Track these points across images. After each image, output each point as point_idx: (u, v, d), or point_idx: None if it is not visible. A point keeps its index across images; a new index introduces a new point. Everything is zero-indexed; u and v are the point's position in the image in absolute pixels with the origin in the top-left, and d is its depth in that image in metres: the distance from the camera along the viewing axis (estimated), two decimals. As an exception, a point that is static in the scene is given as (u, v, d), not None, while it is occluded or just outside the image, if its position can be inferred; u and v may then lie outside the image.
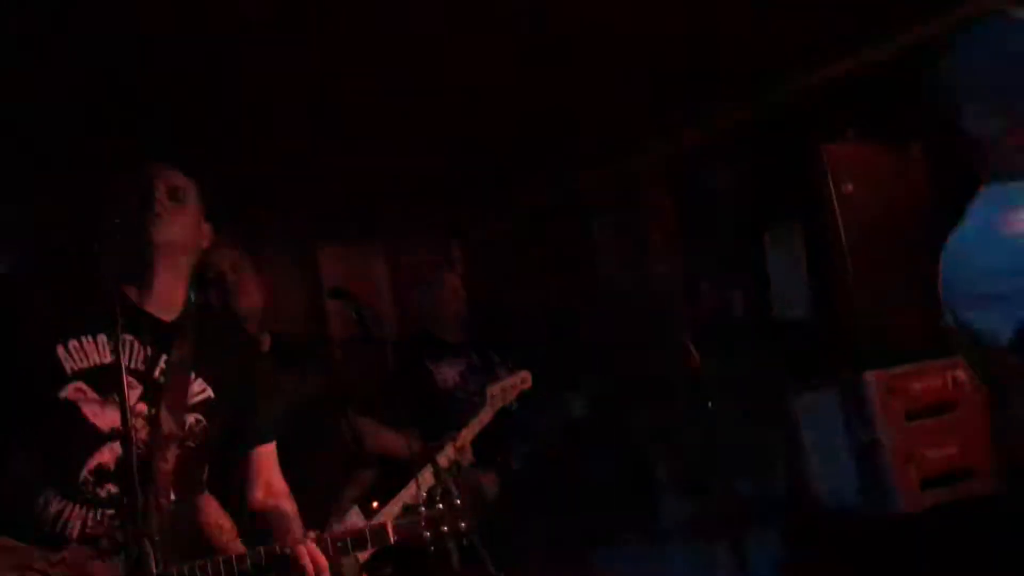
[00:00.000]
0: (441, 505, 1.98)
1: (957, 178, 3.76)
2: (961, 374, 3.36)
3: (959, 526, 3.18)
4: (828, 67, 3.99)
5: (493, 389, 3.44)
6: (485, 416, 3.40)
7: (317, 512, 2.20)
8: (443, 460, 3.13)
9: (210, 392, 2.05)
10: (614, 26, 3.31)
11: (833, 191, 3.31)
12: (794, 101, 4.12)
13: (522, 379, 3.53)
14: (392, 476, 3.21)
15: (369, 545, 1.96)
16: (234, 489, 2.21)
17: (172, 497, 1.94)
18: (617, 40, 3.43)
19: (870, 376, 3.23)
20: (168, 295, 2.03)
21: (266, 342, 3.03)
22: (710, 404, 3.73)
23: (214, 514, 2.18)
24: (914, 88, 3.75)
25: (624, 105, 4.09)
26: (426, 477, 2.97)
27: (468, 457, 3.30)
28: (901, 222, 3.41)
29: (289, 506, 2.17)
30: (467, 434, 3.35)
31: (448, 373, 3.72)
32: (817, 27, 3.61)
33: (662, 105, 4.18)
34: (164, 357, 1.98)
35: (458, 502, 2.00)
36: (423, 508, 1.99)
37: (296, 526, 2.11)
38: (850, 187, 3.31)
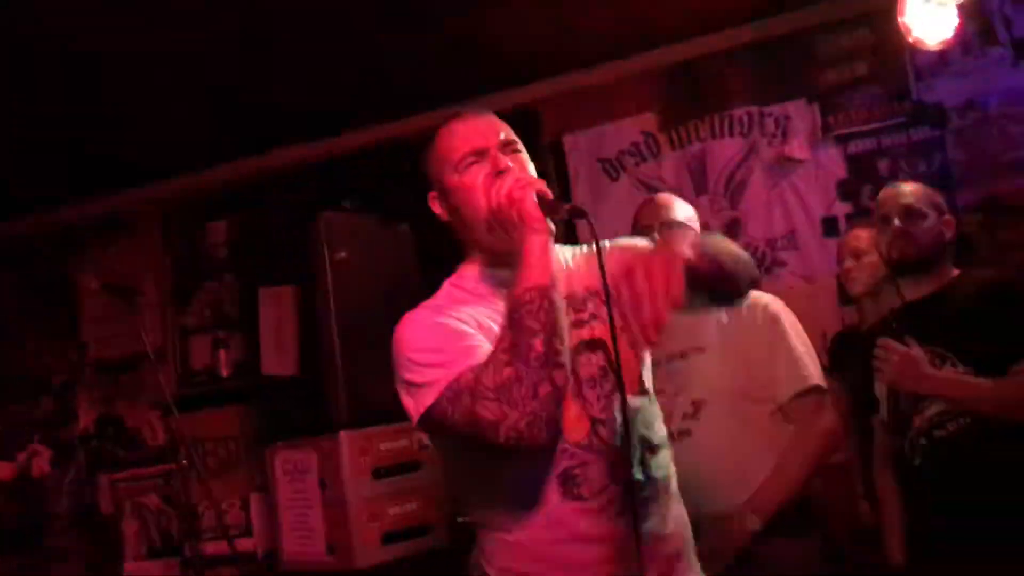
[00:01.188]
0: None
1: (439, 258, 4.18)
2: (425, 436, 3.67)
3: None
4: (333, 140, 4.23)
5: None
6: None
7: None
8: None
9: None
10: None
11: (327, 257, 3.46)
12: (299, 166, 4.29)
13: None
14: None
15: None
16: None
17: None
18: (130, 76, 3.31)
19: (344, 436, 3.38)
20: None
21: None
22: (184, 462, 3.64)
23: None
24: (406, 169, 4.16)
25: (127, 139, 3.92)
26: None
27: None
28: (388, 293, 3.65)
29: None
30: None
31: None
32: (324, 102, 3.83)
33: (167, 146, 4.08)
34: None
35: None
36: None
37: None
38: (343, 254, 3.48)
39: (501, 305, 1.60)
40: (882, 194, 2.65)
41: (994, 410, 2.33)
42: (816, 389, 2.44)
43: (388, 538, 3.40)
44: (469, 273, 1.76)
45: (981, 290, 2.44)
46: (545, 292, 1.51)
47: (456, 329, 1.63)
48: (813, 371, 2.45)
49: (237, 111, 3.83)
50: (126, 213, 4.74)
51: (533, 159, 1.74)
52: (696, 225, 2.62)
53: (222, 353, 4.48)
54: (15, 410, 4.78)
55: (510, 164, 1.65)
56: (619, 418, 1.63)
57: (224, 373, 4.46)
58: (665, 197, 2.69)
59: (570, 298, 1.67)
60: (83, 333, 4.79)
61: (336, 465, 3.36)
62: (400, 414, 3.71)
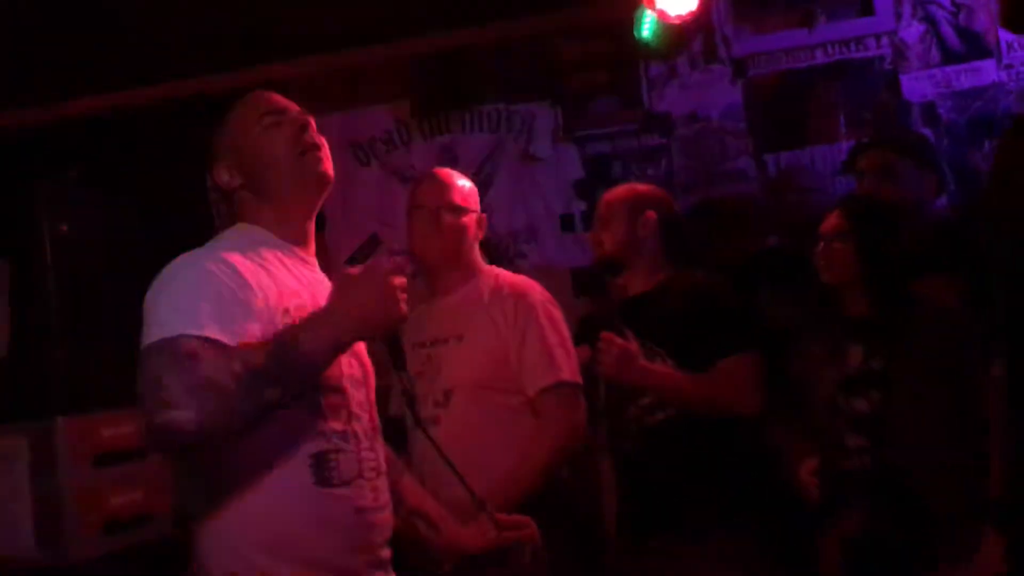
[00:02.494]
0: None
1: (169, 230, 3.99)
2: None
3: (139, 570, 3.29)
4: (55, 106, 3.93)
5: None
6: None
7: None
8: None
9: None
10: None
11: (46, 230, 3.22)
12: (17, 133, 3.94)
13: None
14: None
15: None
16: None
17: None
18: None
19: (62, 422, 3.17)
20: None
21: None
22: None
23: None
24: (130, 138, 3.94)
25: None
26: None
27: None
28: (114, 269, 3.46)
29: None
30: None
31: None
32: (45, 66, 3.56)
33: None
34: None
35: None
36: None
37: None
38: (65, 227, 3.26)
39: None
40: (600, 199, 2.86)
41: (692, 403, 2.55)
42: (566, 384, 2.47)
43: (110, 528, 3.23)
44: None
45: (689, 291, 2.66)
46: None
47: None
48: (564, 365, 2.47)
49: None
50: None
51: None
52: (476, 205, 2.64)
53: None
54: None
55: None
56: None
57: None
58: (446, 174, 2.66)
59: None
60: None
61: (51, 453, 3.13)
62: (126, 398, 3.53)
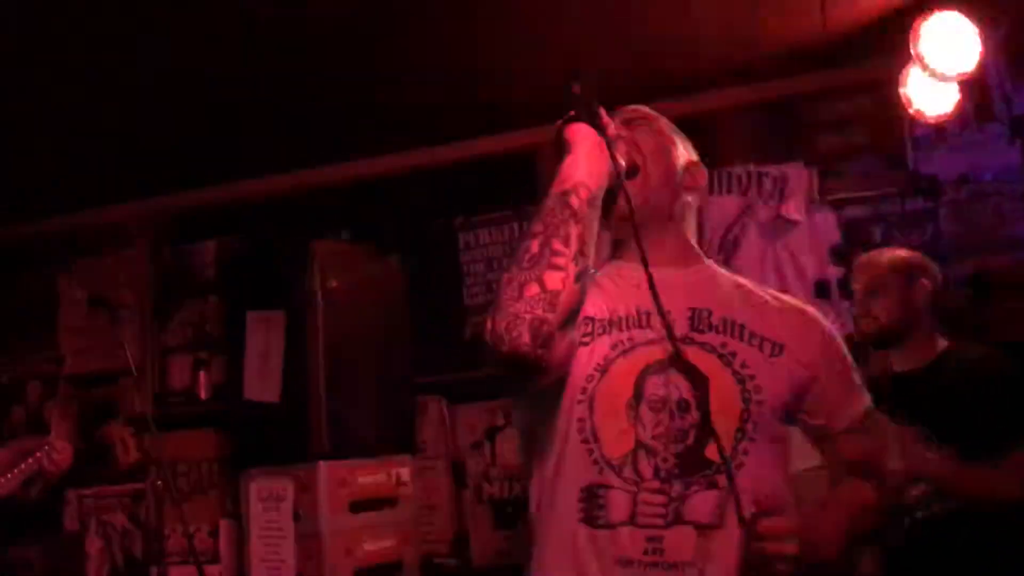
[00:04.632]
0: None
1: (429, 293, 4.17)
2: (404, 471, 3.64)
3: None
4: (330, 169, 4.23)
5: None
6: None
7: None
8: None
9: None
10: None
11: (319, 285, 3.44)
12: (295, 193, 4.28)
13: None
14: None
15: None
16: None
17: None
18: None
19: (323, 466, 3.35)
20: None
21: None
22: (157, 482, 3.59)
23: None
24: (404, 206, 4.17)
25: (129, 152, 3.91)
26: None
27: None
28: (376, 324, 3.65)
29: None
30: None
31: None
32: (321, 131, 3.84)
33: (160, 161, 4.06)
34: None
35: None
36: None
37: None
38: (334, 283, 3.47)
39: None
40: (856, 263, 2.67)
41: (978, 498, 2.32)
42: None
43: (360, 574, 3.36)
44: None
45: (969, 369, 2.44)
46: (559, 196, 1.45)
47: None
48: None
49: (236, 132, 3.82)
50: (115, 227, 4.69)
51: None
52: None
53: (202, 375, 4.43)
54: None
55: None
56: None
57: (203, 395, 4.41)
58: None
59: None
60: (61, 345, 4.72)
61: (313, 496, 3.31)
62: (381, 447, 3.69)
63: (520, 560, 1.71)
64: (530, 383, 1.49)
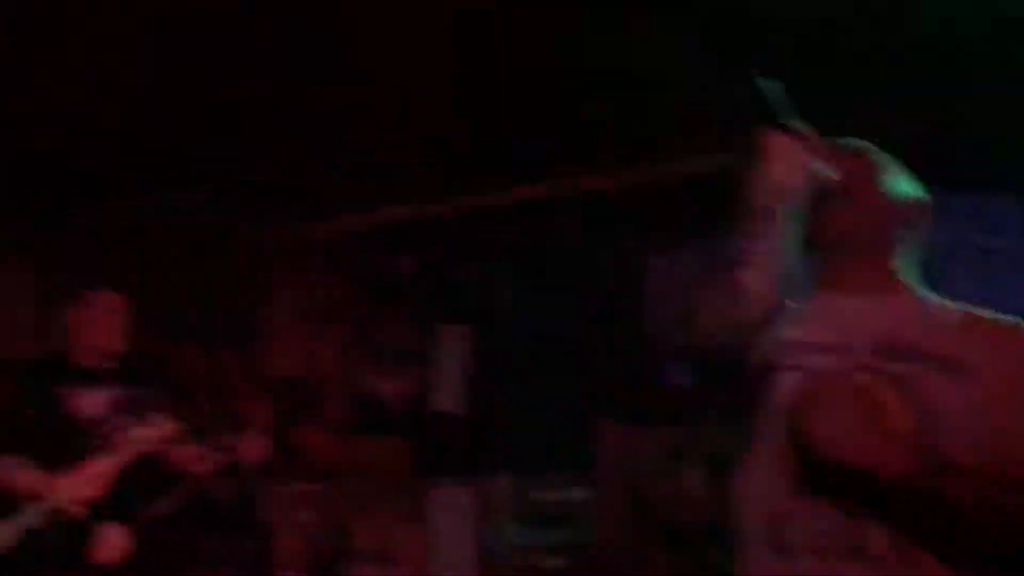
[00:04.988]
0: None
1: (616, 311, 4.12)
2: (580, 492, 3.64)
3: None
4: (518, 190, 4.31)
5: (137, 434, 3.20)
6: (118, 462, 3.14)
7: None
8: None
9: None
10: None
11: (506, 301, 3.52)
12: (487, 211, 4.39)
13: (172, 428, 3.32)
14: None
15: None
16: None
17: None
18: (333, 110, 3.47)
19: (505, 480, 3.41)
20: None
21: None
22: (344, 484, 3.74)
23: None
24: (584, 226, 4.16)
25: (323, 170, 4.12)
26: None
27: (89, 499, 3.01)
28: (561, 342, 3.69)
29: None
30: (94, 477, 3.07)
31: (86, 403, 3.34)
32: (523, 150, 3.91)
33: (362, 179, 4.25)
34: None
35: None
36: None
37: None
38: (516, 298, 3.54)
39: None
40: None
41: None
42: None
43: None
44: None
45: None
46: (753, 203, 1.46)
47: None
48: None
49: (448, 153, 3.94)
50: (320, 242, 4.96)
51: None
52: None
53: (394, 385, 4.60)
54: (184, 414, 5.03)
55: None
56: None
57: (392, 404, 4.58)
58: None
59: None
60: (266, 348, 5.02)
61: (494, 508, 3.38)
62: (562, 464, 3.71)
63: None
64: (732, 389, 1.50)
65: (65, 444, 3.18)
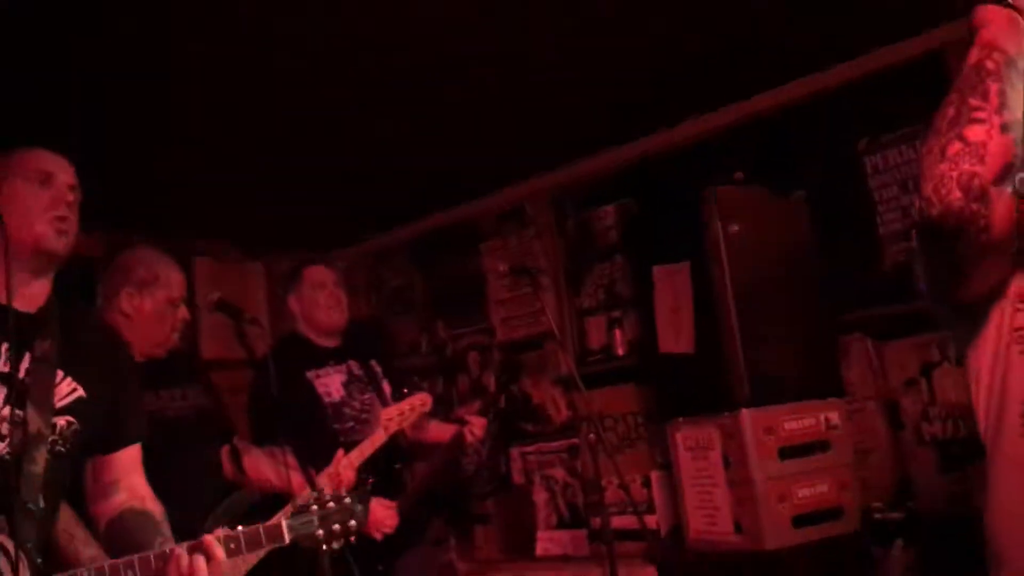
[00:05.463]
0: (332, 504, 1.94)
1: (837, 226, 3.93)
2: (834, 415, 3.48)
3: (827, 564, 3.28)
4: (719, 113, 4.15)
5: (389, 412, 3.35)
6: (376, 441, 3.30)
7: (185, 529, 2.07)
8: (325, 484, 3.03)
9: (81, 391, 1.92)
10: (512, 57, 3.34)
11: (720, 232, 3.39)
12: (685, 143, 4.26)
13: (421, 402, 3.46)
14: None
15: (264, 543, 1.87)
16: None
17: (41, 503, 1.80)
18: (515, 71, 3.47)
19: (746, 413, 3.30)
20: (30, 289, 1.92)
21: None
22: (591, 436, 3.76)
23: (66, 520, 2.04)
24: (799, 139, 3.96)
25: (518, 132, 4.13)
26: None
27: (350, 482, 3.18)
28: (783, 265, 3.52)
29: (156, 508, 2.04)
30: (354, 459, 3.24)
31: (331, 384, 3.52)
32: (711, 75, 3.75)
33: (555, 135, 4.24)
34: (28, 355, 1.85)
35: (347, 501, 1.95)
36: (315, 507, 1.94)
37: (166, 528, 1.99)
38: (736, 228, 3.40)
39: None
40: None
41: None
42: None
43: (798, 521, 3.28)
44: None
45: None
46: (973, 66, 1.40)
47: None
48: None
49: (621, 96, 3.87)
50: (523, 203, 5.01)
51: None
52: None
53: (617, 332, 4.58)
54: (433, 388, 5.25)
55: None
56: None
57: (620, 352, 4.56)
58: None
59: None
60: (491, 317, 5.15)
61: (740, 443, 3.29)
62: (805, 391, 3.54)
63: (977, 504, 1.56)
64: (972, 251, 1.39)
65: (322, 429, 3.37)
